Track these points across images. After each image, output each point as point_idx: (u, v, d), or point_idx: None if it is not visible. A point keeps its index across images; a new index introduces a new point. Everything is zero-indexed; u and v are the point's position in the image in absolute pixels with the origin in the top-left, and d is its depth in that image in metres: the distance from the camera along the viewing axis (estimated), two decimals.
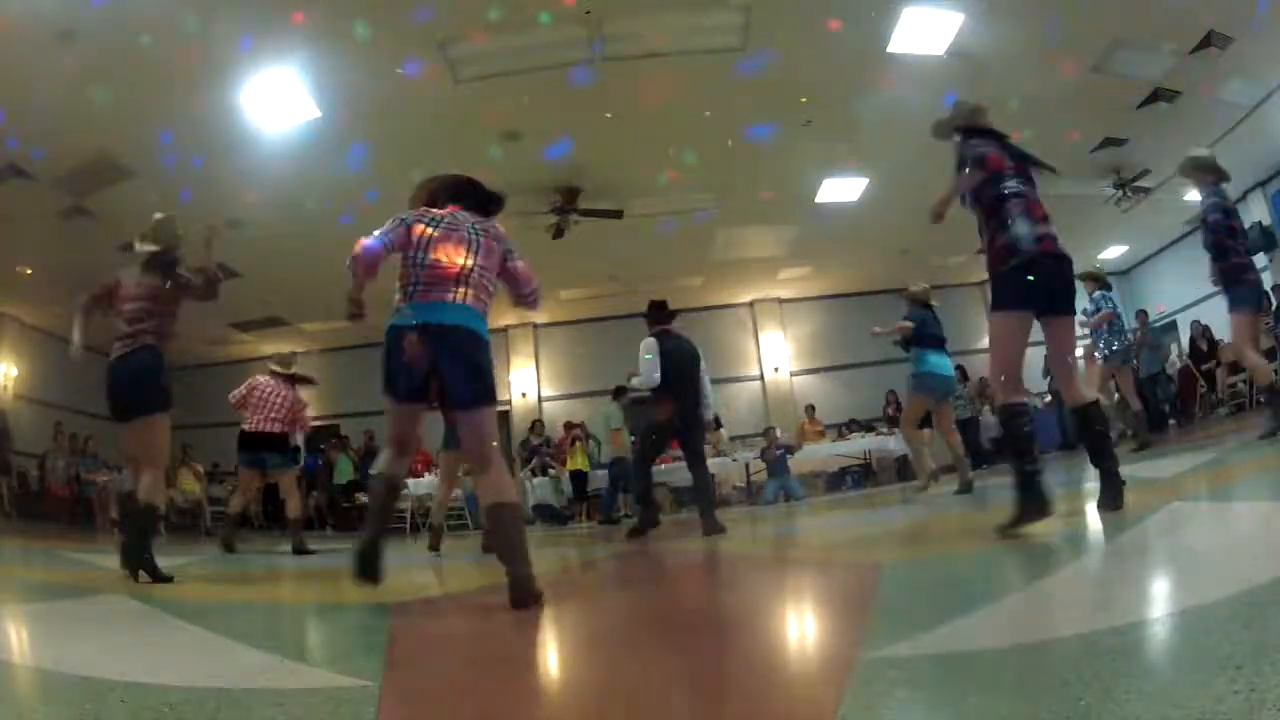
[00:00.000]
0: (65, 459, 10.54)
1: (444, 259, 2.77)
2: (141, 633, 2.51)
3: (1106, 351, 7.11)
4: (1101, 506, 3.04)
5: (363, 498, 10.87)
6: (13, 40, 5.92)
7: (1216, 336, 10.78)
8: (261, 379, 6.48)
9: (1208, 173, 5.24)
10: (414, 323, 2.68)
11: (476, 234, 2.87)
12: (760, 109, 8.13)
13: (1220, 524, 2.72)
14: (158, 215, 4.16)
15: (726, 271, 12.78)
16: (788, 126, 8.47)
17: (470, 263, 2.79)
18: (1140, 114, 8.71)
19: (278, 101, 7.20)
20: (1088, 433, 3.18)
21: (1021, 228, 3.08)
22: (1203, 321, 11.24)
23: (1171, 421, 10.47)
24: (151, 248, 4.03)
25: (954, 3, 6.84)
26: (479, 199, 3.05)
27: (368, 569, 2.70)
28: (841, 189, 10.11)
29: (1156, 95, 8.37)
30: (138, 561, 3.68)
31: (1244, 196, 11.37)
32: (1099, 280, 7.26)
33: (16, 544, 6.96)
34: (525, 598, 2.49)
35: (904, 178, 9.45)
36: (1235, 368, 10.13)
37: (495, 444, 2.80)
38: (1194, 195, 11.25)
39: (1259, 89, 8.52)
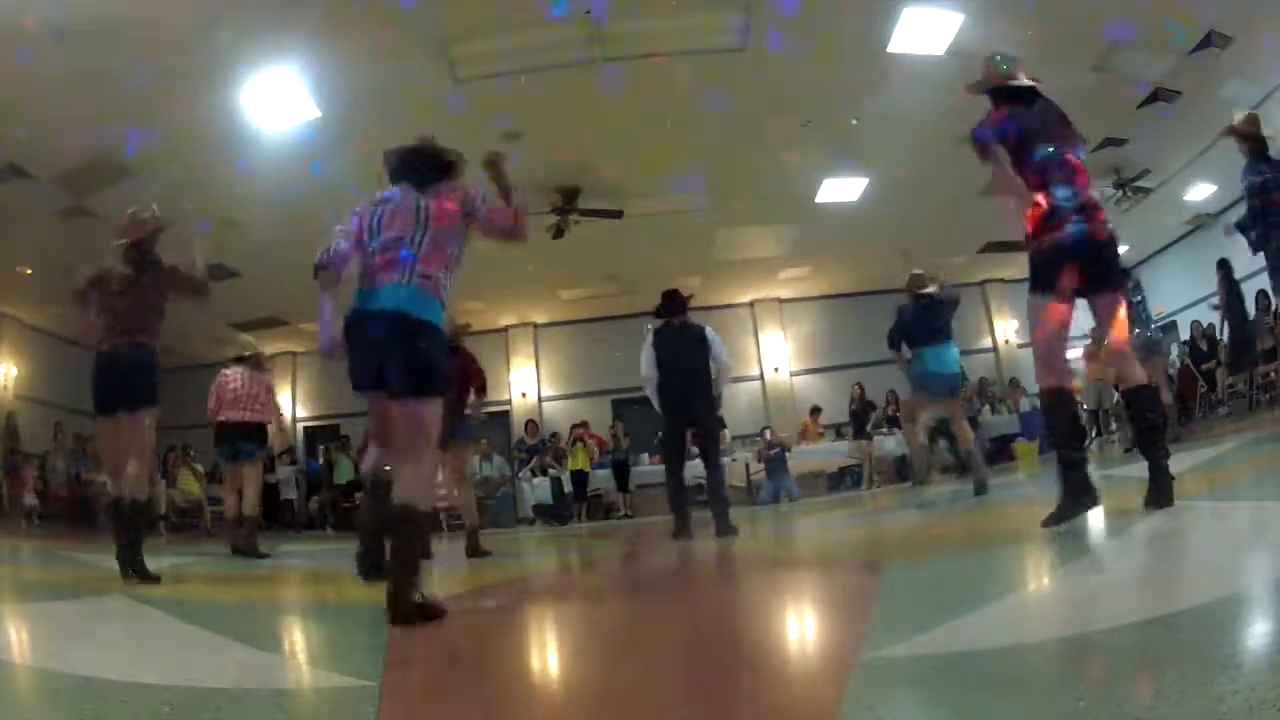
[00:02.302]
0: (65, 459, 10.53)
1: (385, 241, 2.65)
2: (141, 633, 2.51)
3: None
4: (1150, 504, 2.85)
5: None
6: (13, 40, 5.92)
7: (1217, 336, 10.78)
8: (227, 372, 6.35)
9: (1243, 140, 4.94)
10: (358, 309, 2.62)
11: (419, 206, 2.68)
12: (760, 108, 8.12)
13: (1220, 524, 2.72)
14: (131, 209, 4.15)
15: (726, 271, 12.77)
16: (788, 126, 8.46)
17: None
18: (1140, 114, 8.71)
19: (278, 101, 7.20)
20: (1137, 419, 3.04)
21: (1062, 191, 2.93)
22: (1203, 321, 11.22)
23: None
24: (124, 240, 4.01)
25: (954, 3, 6.83)
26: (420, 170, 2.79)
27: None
28: (841, 189, 10.10)
29: (1156, 95, 8.37)
30: (128, 561, 3.69)
31: (1244, 196, 11.35)
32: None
33: (16, 544, 6.96)
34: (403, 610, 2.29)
35: (904, 178, 9.45)
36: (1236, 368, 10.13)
37: (432, 442, 2.61)
38: (1194, 195, 11.37)
39: (1259, 89, 8.52)
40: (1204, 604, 1.49)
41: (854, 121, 8.32)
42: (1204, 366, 10.65)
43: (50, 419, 10.91)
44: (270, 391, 6.48)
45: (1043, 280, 2.97)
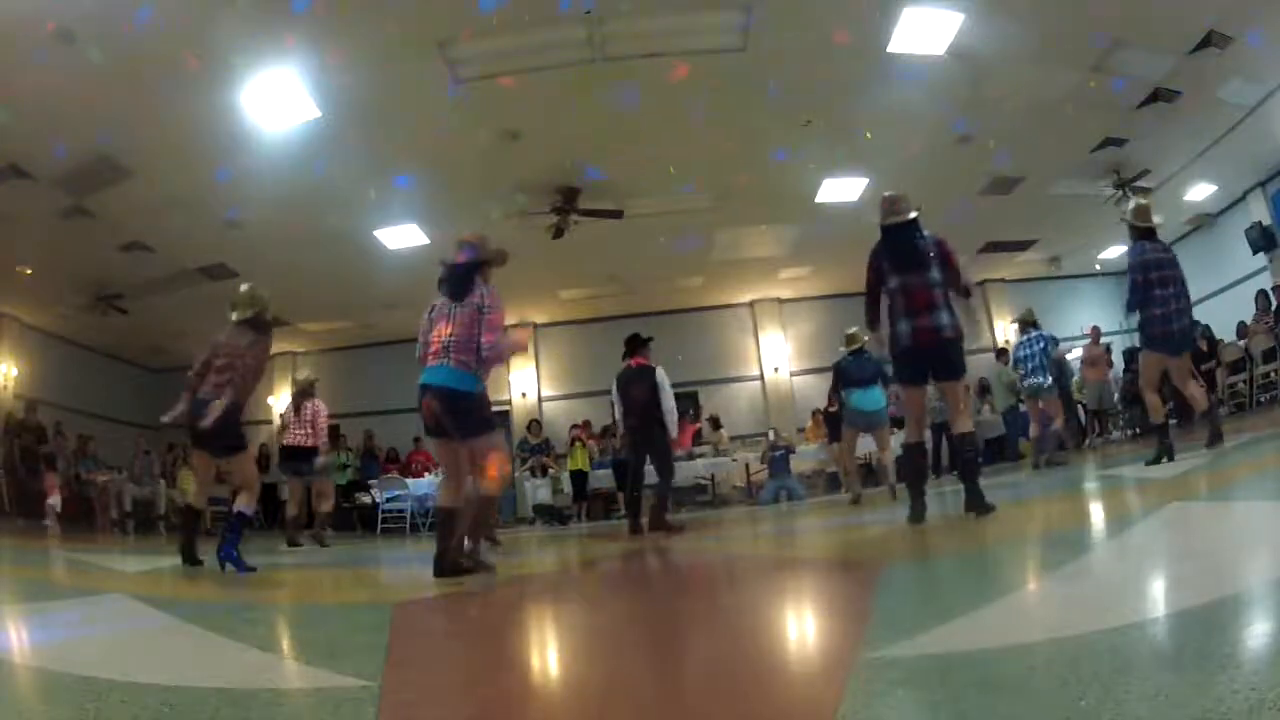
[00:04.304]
0: (65, 459, 10.53)
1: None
2: (141, 633, 2.51)
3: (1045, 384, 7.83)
4: (967, 510, 3.83)
5: (363, 498, 10.88)
6: (13, 40, 5.92)
7: (1217, 336, 10.82)
8: (319, 402, 7.42)
9: (1133, 227, 5.72)
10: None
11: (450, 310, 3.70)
12: (761, 109, 8.13)
13: (1219, 524, 2.72)
14: (243, 286, 4.77)
15: (726, 271, 12.77)
16: (788, 126, 8.47)
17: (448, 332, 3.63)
18: (1140, 114, 8.72)
19: (278, 101, 7.20)
20: (961, 456, 4.08)
21: (902, 325, 4.07)
22: (1202, 322, 11.23)
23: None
24: (249, 314, 4.62)
25: (954, 3, 6.83)
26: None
27: (443, 571, 3.49)
28: (841, 189, 10.10)
29: (1156, 95, 8.37)
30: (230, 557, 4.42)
31: (1244, 196, 11.39)
32: (1033, 322, 8.07)
33: (16, 544, 6.96)
34: (443, 568, 3.46)
35: (904, 178, 9.45)
36: (1236, 368, 10.15)
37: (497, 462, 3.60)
38: (1194, 195, 11.38)
39: (1259, 89, 8.51)
40: (1204, 604, 1.49)
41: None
42: (1204, 367, 10.66)
43: (50, 419, 10.91)
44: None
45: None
